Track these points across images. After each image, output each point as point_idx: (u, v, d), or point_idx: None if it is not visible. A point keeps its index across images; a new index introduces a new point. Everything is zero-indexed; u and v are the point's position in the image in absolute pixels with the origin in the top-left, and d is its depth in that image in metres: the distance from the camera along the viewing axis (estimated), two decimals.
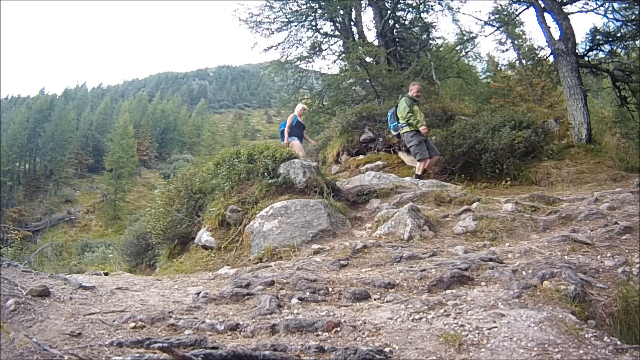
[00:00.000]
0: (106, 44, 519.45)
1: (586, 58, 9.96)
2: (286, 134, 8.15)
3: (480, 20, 12.92)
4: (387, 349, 1.52)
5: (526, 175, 6.96)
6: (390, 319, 1.88)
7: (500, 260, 2.80)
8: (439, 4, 13.34)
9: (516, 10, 11.21)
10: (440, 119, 8.88)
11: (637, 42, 10.34)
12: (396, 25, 13.60)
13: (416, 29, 13.85)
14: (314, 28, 13.88)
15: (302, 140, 8.43)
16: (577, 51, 9.01)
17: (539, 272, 2.32)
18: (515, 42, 20.08)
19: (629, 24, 9.65)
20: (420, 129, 6.98)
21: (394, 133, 7.58)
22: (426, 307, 1.99)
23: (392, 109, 7.75)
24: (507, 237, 3.71)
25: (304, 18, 13.62)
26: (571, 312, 1.86)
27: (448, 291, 2.28)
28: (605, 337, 1.59)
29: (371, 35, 13.58)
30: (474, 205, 4.62)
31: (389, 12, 12.86)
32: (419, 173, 6.92)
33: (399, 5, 13.26)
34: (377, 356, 1.43)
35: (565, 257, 2.71)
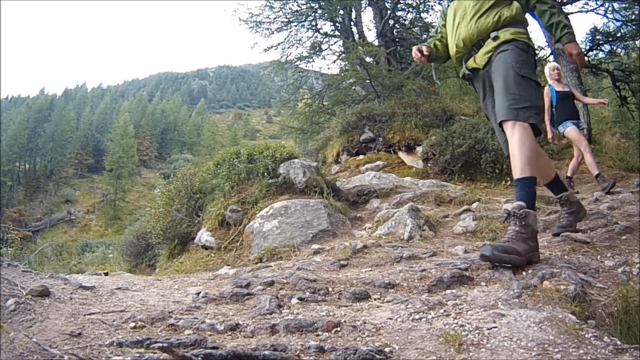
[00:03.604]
0: (106, 44, 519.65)
1: (586, 58, 9.98)
2: (547, 121, 5.42)
3: None
4: (387, 349, 1.52)
5: None
6: (390, 319, 1.87)
7: None
8: (439, 4, 13.36)
9: None
10: (440, 119, 8.89)
11: (637, 42, 10.37)
12: (396, 25, 13.62)
13: (416, 29, 13.87)
14: (314, 28, 13.89)
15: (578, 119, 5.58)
16: None
17: (539, 272, 2.32)
18: None
19: (629, 24, 9.67)
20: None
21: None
22: (426, 307, 1.99)
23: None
24: None
25: (304, 18, 13.63)
26: (571, 312, 1.86)
27: (448, 291, 2.27)
28: (605, 337, 1.58)
29: (371, 35, 13.61)
30: (474, 205, 4.62)
31: (389, 12, 12.88)
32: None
33: (399, 5, 13.28)
34: (377, 356, 1.43)
35: (565, 257, 2.71)
